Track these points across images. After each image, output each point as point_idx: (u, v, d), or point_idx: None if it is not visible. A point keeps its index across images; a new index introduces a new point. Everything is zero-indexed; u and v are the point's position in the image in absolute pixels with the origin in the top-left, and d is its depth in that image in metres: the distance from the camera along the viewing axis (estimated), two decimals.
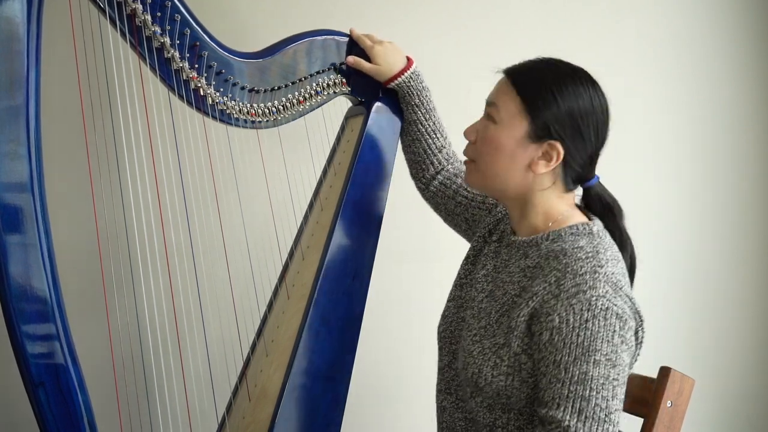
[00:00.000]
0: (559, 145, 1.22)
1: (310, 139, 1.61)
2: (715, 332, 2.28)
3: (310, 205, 1.64)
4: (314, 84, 1.58)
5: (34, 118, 1.19)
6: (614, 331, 1.12)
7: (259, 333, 1.57)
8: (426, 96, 1.58)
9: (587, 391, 1.10)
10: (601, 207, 1.29)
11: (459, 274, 1.41)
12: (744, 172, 2.27)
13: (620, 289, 1.15)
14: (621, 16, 2.16)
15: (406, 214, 1.80)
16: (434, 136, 1.57)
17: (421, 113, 1.57)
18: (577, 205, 1.31)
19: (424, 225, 1.98)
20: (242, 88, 1.49)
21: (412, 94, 1.57)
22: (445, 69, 1.97)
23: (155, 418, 1.61)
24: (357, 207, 1.56)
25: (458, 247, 1.52)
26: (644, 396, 1.28)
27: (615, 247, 1.23)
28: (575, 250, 1.18)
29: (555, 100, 1.21)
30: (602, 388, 1.10)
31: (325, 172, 1.66)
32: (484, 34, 2.06)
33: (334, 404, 1.47)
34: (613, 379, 1.11)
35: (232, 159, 1.54)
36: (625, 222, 1.29)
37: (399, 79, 1.56)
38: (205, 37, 1.43)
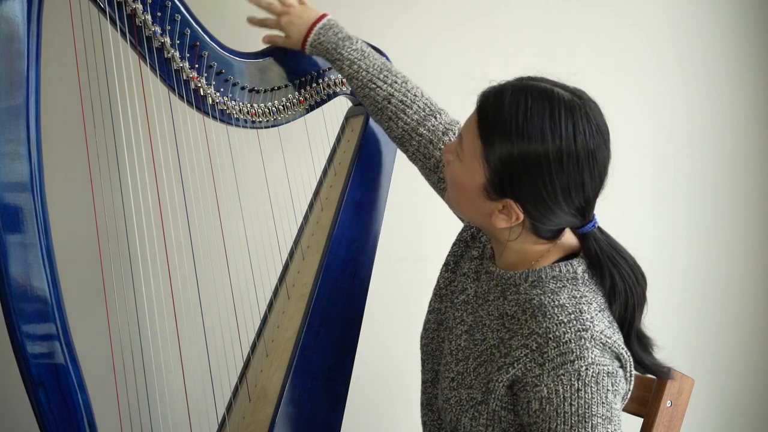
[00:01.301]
0: (515, 206, 1.08)
1: (310, 139, 1.61)
2: (715, 332, 2.27)
3: (310, 205, 1.64)
4: (314, 84, 1.58)
5: (35, 118, 1.19)
6: (607, 390, 1.05)
7: (259, 333, 1.57)
8: (345, 46, 1.44)
9: None
10: (602, 255, 1.12)
11: (438, 282, 1.31)
12: (744, 172, 2.27)
13: (608, 347, 1.06)
14: (621, 16, 2.16)
15: (407, 213, 1.80)
16: (374, 85, 1.42)
17: (346, 66, 1.44)
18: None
19: (424, 225, 1.98)
20: (242, 88, 1.49)
21: (329, 50, 1.44)
22: (446, 69, 1.97)
23: (155, 418, 1.61)
24: (357, 207, 1.56)
25: None
26: (644, 396, 1.28)
27: (600, 292, 1.11)
28: (555, 310, 1.06)
29: (511, 146, 1.04)
30: None
31: (325, 172, 1.66)
32: (483, 34, 2.06)
33: (334, 404, 1.47)
34: (612, 430, 1.06)
35: (232, 159, 1.54)
36: (631, 267, 1.12)
37: (309, 38, 1.45)
38: (206, 37, 1.43)
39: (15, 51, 1.17)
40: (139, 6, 1.34)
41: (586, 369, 1.04)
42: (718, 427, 2.28)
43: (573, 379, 1.04)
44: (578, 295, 1.09)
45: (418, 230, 1.99)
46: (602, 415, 1.05)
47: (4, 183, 1.16)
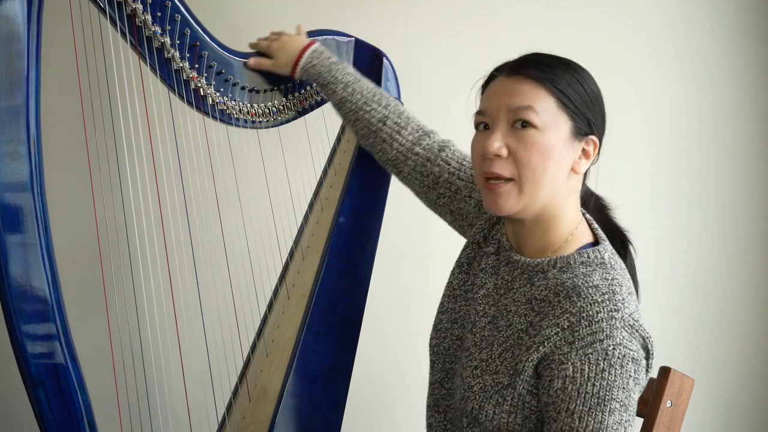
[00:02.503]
0: (596, 139, 1.16)
1: (310, 139, 1.61)
2: (715, 332, 2.27)
3: (310, 205, 1.64)
4: (315, 84, 1.58)
5: (34, 117, 1.19)
6: (629, 376, 1.07)
7: (259, 333, 1.57)
8: (338, 69, 1.48)
9: None
10: (591, 201, 1.24)
11: (451, 283, 1.31)
12: (744, 172, 2.27)
13: (636, 330, 1.09)
14: (621, 16, 2.16)
15: (407, 213, 1.80)
16: (369, 107, 1.46)
17: (340, 89, 1.48)
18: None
19: (424, 225, 1.97)
20: (242, 88, 1.49)
21: (321, 73, 1.48)
22: (446, 68, 1.97)
23: (155, 418, 1.61)
24: (357, 207, 1.56)
25: (459, 246, 1.51)
26: (644, 396, 1.27)
27: (627, 276, 1.15)
28: (590, 290, 1.09)
29: (584, 90, 1.15)
30: None
31: (325, 172, 1.66)
32: (483, 34, 2.06)
33: (334, 404, 1.47)
34: (626, 421, 1.07)
35: (232, 159, 1.54)
36: (614, 213, 1.25)
37: (300, 62, 1.49)
38: (206, 37, 1.43)
39: (15, 51, 1.17)
40: (139, 6, 1.34)
41: (614, 349, 1.06)
42: (718, 427, 2.28)
43: (600, 358, 1.06)
44: (609, 278, 1.11)
45: (418, 230, 1.99)
46: (621, 400, 1.06)
47: (4, 183, 1.16)
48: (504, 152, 1.13)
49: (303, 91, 1.57)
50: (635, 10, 2.15)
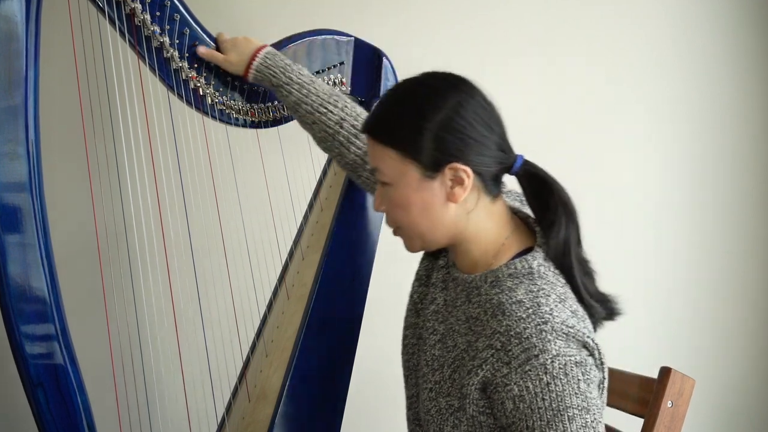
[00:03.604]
0: (459, 165, 1.11)
1: (310, 139, 1.61)
2: (715, 332, 2.27)
3: (310, 205, 1.64)
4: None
5: (33, 117, 1.18)
6: (578, 380, 1.05)
7: (259, 333, 1.57)
8: (294, 70, 1.45)
9: None
10: (537, 184, 1.17)
11: (412, 297, 1.31)
12: (744, 172, 2.27)
13: (571, 336, 1.07)
14: (621, 16, 2.16)
15: None
16: (325, 109, 1.44)
17: (295, 90, 1.44)
18: (512, 210, 1.21)
19: None
20: (242, 88, 1.49)
21: (277, 73, 1.44)
22: (445, 68, 1.97)
23: (155, 418, 1.61)
24: (357, 207, 1.56)
25: None
26: (644, 396, 1.27)
27: (560, 282, 1.13)
28: (514, 306, 1.07)
29: (423, 128, 1.10)
30: None
31: (325, 172, 1.66)
32: (482, 33, 2.06)
33: (334, 404, 1.47)
34: (591, 421, 1.06)
35: (232, 159, 1.53)
36: (563, 192, 1.16)
37: (254, 62, 1.44)
38: (205, 36, 1.43)
39: (13, 50, 1.16)
40: (138, 5, 1.34)
41: (552, 361, 1.04)
42: (718, 428, 2.28)
43: (540, 373, 1.04)
44: (535, 289, 1.09)
45: None
46: (577, 405, 1.05)
47: (3, 183, 1.16)
48: (382, 209, 1.19)
49: None
50: (635, 10, 2.15)
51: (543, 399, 1.05)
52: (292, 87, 1.44)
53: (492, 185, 1.15)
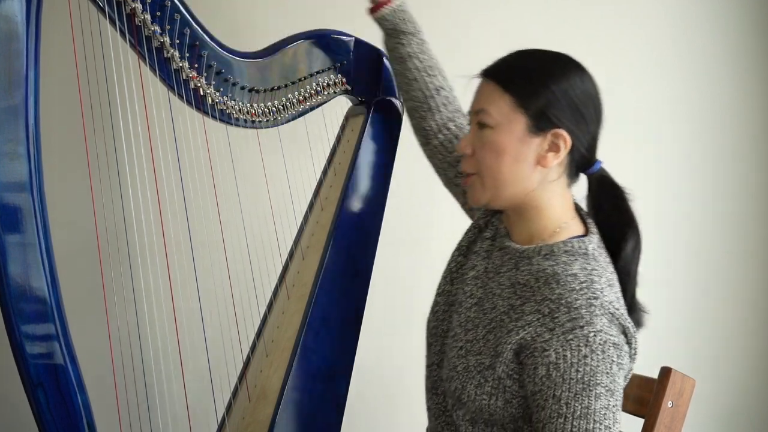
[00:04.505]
0: (564, 132, 1.16)
1: (310, 139, 1.61)
2: (716, 332, 2.28)
3: (310, 205, 1.64)
4: (314, 84, 1.58)
5: (33, 117, 1.18)
6: (612, 361, 1.09)
7: (259, 333, 1.57)
8: (419, 30, 1.48)
9: (590, 424, 1.07)
10: (608, 192, 1.23)
11: (449, 266, 1.34)
12: (744, 172, 2.27)
13: (615, 318, 1.11)
14: (621, 16, 2.16)
15: (408, 213, 1.80)
16: (432, 72, 1.48)
17: (415, 44, 1.48)
18: (576, 206, 1.26)
19: (425, 225, 1.97)
20: (242, 88, 1.49)
21: (406, 21, 1.47)
22: (445, 68, 1.97)
23: (155, 418, 1.61)
24: (357, 207, 1.56)
25: None
26: (645, 396, 1.27)
27: (610, 268, 1.18)
28: (569, 278, 1.12)
29: (546, 86, 1.16)
30: (604, 418, 1.08)
31: (325, 172, 1.66)
32: (482, 33, 2.06)
33: (334, 404, 1.47)
34: (613, 406, 1.09)
35: (232, 159, 1.53)
36: (632, 205, 1.24)
37: (391, 3, 1.47)
38: (205, 36, 1.43)
39: (14, 50, 1.16)
40: (139, 5, 1.34)
41: (594, 335, 1.08)
42: (718, 428, 2.28)
43: (581, 344, 1.08)
44: (589, 268, 1.14)
45: (419, 230, 1.99)
46: (606, 385, 1.08)
47: (3, 183, 1.16)
48: (468, 151, 1.22)
49: (303, 90, 1.57)
50: (635, 10, 2.16)
51: (577, 371, 1.08)
52: (414, 39, 1.48)
53: (574, 170, 1.21)
